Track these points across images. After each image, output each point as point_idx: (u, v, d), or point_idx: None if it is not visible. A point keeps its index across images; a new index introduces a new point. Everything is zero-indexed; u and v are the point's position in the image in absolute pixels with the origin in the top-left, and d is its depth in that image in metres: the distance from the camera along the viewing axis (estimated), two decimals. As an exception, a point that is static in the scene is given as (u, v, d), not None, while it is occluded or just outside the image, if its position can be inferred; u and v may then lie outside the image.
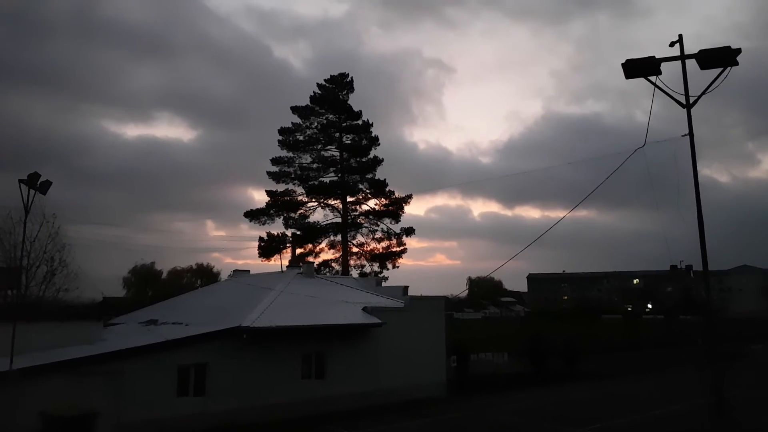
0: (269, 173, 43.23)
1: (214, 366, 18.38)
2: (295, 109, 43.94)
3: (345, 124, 44.49)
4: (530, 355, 31.78)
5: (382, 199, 44.31)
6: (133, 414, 16.20)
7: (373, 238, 44.50)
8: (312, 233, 43.25)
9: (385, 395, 21.90)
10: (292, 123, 43.85)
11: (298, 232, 42.80)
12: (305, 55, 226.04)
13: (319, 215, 45.01)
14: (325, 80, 45.30)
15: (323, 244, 44.08)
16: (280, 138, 43.58)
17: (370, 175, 44.22)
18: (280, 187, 43.34)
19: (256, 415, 18.44)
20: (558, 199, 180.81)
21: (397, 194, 44.39)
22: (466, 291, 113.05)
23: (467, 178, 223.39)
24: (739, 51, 12.69)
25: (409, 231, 44.48)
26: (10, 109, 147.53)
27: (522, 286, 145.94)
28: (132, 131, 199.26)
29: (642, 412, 20.31)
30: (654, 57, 13.38)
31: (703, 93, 13.35)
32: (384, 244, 44.27)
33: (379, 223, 44.49)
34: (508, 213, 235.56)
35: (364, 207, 44.57)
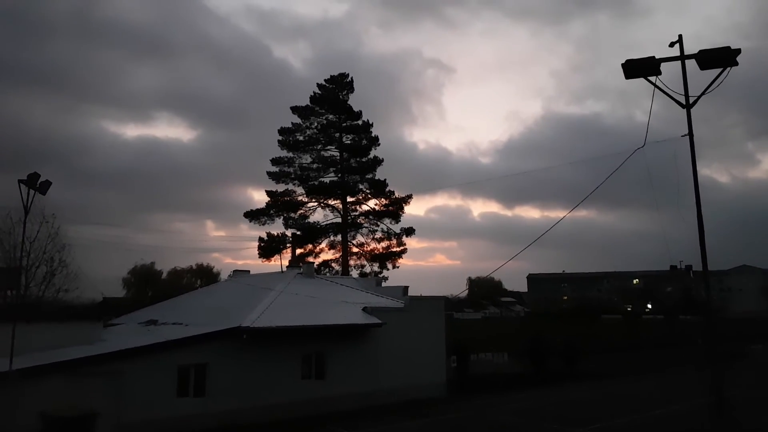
0: (269, 173, 43.29)
1: (214, 366, 18.38)
2: (295, 109, 43.95)
3: (345, 124, 44.50)
4: (530, 355, 31.77)
5: (382, 199, 44.34)
6: (133, 414, 16.20)
7: (373, 238, 44.57)
8: (312, 233, 43.26)
9: (385, 395, 21.90)
10: (292, 123, 43.92)
11: (298, 233, 42.83)
12: (305, 55, 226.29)
13: (319, 215, 45.09)
14: (325, 80, 45.36)
15: (323, 245, 44.17)
16: (280, 138, 43.63)
17: (370, 175, 44.25)
18: (280, 188, 43.44)
19: (257, 415, 18.44)
20: (558, 199, 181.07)
21: (397, 194, 44.49)
22: (466, 291, 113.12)
23: (467, 178, 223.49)
24: (738, 51, 12.69)
25: (409, 231, 44.52)
26: (10, 109, 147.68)
27: (522, 286, 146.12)
28: (132, 131, 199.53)
29: (642, 412, 20.31)
30: (654, 57, 13.38)
31: (703, 93, 13.35)
32: (384, 244, 44.33)
33: (379, 223, 44.54)
34: (508, 213, 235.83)
35: (364, 207, 44.65)
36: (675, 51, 13.69)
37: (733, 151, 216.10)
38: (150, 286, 65.30)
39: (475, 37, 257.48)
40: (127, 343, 17.77)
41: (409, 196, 44.80)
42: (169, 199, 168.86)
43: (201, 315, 21.92)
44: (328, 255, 44.16)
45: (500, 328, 59.51)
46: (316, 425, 18.60)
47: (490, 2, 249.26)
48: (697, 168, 13.73)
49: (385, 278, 40.72)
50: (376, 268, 43.70)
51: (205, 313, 22.51)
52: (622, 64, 13.47)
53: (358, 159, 44.42)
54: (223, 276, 60.94)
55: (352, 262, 43.57)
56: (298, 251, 40.11)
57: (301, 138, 43.81)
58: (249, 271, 31.99)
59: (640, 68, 13.43)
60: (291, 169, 43.45)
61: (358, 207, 44.52)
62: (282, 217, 43.14)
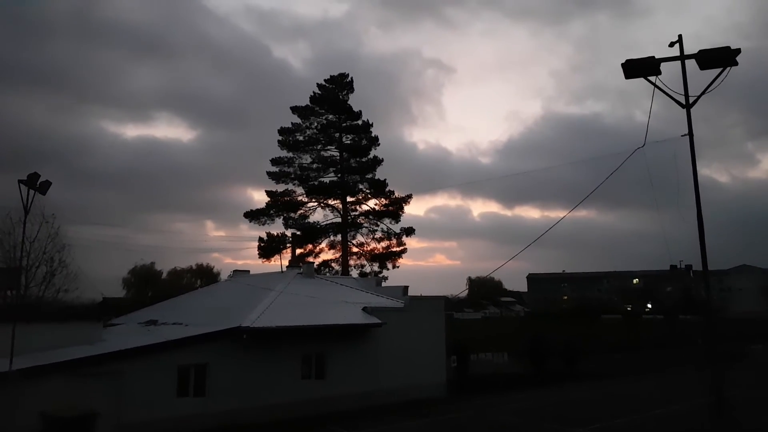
0: (269, 173, 43.29)
1: (214, 366, 18.38)
2: (294, 110, 43.96)
3: (345, 124, 44.51)
4: (530, 356, 31.77)
5: (382, 199, 44.35)
6: (133, 414, 16.20)
7: (373, 238, 44.59)
8: (312, 233, 43.27)
9: (385, 395, 21.90)
10: (291, 123, 43.92)
11: (298, 233, 42.84)
12: (305, 55, 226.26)
13: (319, 215, 45.10)
14: (324, 80, 45.38)
15: (323, 245, 44.19)
16: (280, 138, 43.63)
17: (370, 175, 44.25)
18: (280, 188, 43.45)
19: (257, 415, 18.44)
20: (558, 199, 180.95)
21: (397, 194, 44.50)
22: (466, 291, 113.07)
23: (467, 178, 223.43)
24: (738, 51, 12.70)
25: (409, 231, 44.53)
26: (10, 109, 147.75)
27: (522, 286, 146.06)
28: (131, 131, 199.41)
29: (642, 412, 20.31)
30: (654, 57, 13.40)
31: (703, 93, 13.37)
32: (384, 244, 44.34)
33: (379, 223, 44.55)
34: (508, 213, 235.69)
35: (364, 207, 44.66)
36: (675, 51, 13.72)
37: (733, 151, 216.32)
38: (150, 286, 65.19)
39: (475, 37, 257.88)
40: (127, 343, 17.76)
41: (409, 196, 44.88)
42: (169, 199, 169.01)
43: (201, 315, 21.93)
44: (328, 255, 44.26)
45: (500, 328, 59.48)
46: (316, 425, 18.60)
47: (489, 2, 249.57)
48: (697, 168, 13.76)
49: (385, 278, 40.76)
50: (376, 268, 43.73)
51: (205, 313, 22.52)
52: (622, 64, 13.49)
53: (358, 159, 44.42)
54: (223, 276, 61.03)
55: (352, 262, 43.59)
56: (298, 251, 40.13)
57: (301, 138, 43.82)
58: (249, 271, 32.00)
59: (640, 68, 13.45)
60: (291, 169, 43.46)
61: (358, 207, 44.56)
62: (282, 217, 43.18)
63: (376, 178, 44.15)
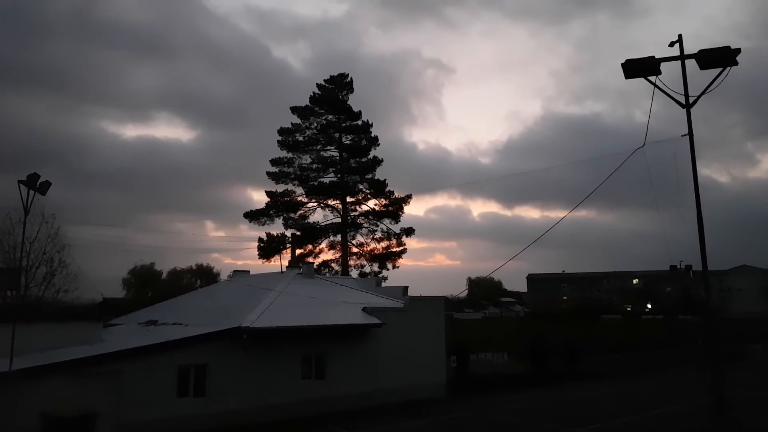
0: (269, 174, 43.27)
1: (214, 366, 18.38)
2: (294, 110, 43.95)
3: (345, 124, 44.49)
4: (530, 356, 31.75)
5: (382, 199, 44.33)
6: (133, 414, 16.19)
7: (372, 239, 44.54)
8: (312, 234, 43.25)
9: (385, 395, 21.89)
10: (291, 123, 43.90)
11: (298, 233, 42.80)
12: (305, 55, 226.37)
13: (318, 216, 45.04)
14: (324, 80, 45.35)
15: (323, 245, 44.16)
16: (280, 138, 43.60)
17: (369, 176, 44.23)
18: (280, 188, 43.43)
19: (257, 415, 18.45)
20: (558, 199, 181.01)
21: (396, 194, 44.47)
22: (466, 291, 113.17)
23: (467, 178, 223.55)
24: (738, 51, 12.70)
25: (409, 231, 44.50)
26: (10, 109, 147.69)
27: (522, 286, 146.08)
28: (131, 131, 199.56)
29: (642, 412, 20.31)
30: (654, 57, 13.40)
31: (703, 93, 13.37)
32: (384, 244, 44.31)
33: (378, 223, 44.52)
34: (508, 213, 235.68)
35: (364, 207, 44.64)
36: (675, 51, 13.72)
37: (733, 151, 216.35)
38: (150, 286, 65.22)
39: (475, 38, 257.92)
40: (127, 343, 17.76)
41: (409, 196, 44.86)
42: (169, 200, 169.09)
43: (201, 315, 21.93)
44: (327, 255, 44.23)
45: (500, 329, 59.49)
46: (316, 425, 18.60)
47: (489, 2, 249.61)
48: (697, 168, 13.77)
49: (385, 278, 40.74)
50: (375, 268, 43.70)
51: (205, 313, 22.52)
52: (622, 64, 13.49)
53: (357, 159, 44.41)
54: (223, 276, 61.04)
55: (351, 263, 43.58)
56: (298, 251, 40.13)
57: (300, 138, 43.80)
58: (249, 272, 32.00)
59: (639, 68, 13.45)
60: (291, 170, 43.44)
61: (357, 207, 44.53)
62: (282, 218, 43.16)
63: (376, 178, 44.17)
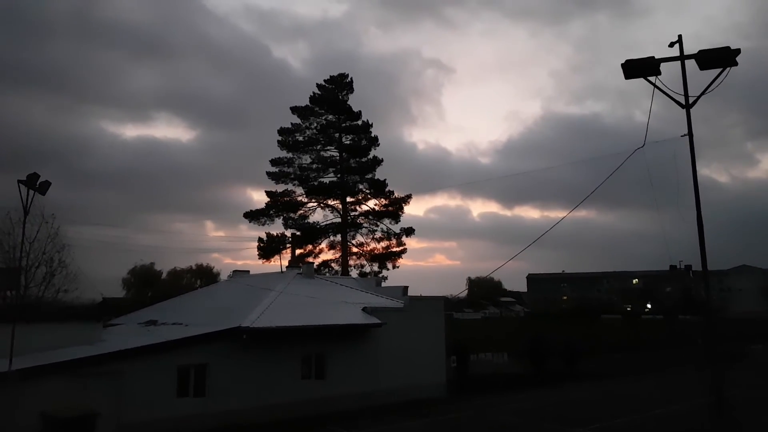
0: (269, 174, 43.31)
1: (214, 366, 18.38)
2: (294, 110, 43.97)
3: (344, 124, 44.51)
4: (530, 356, 31.75)
5: (382, 199, 44.36)
6: (133, 414, 16.19)
7: (372, 239, 44.59)
8: (312, 234, 43.27)
9: (385, 395, 21.89)
10: (291, 123, 43.93)
11: (298, 233, 42.84)
12: (304, 55, 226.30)
13: (318, 216, 45.09)
14: (324, 80, 45.40)
15: (323, 245, 44.21)
16: (280, 138, 43.64)
17: (369, 176, 44.26)
18: (280, 188, 43.48)
19: (257, 415, 18.45)
20: (558, 199, 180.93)
21: (396, 194, 44.51)
22: (466, 291, 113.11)
23: (467, 178, 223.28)
24: (738, 51, 12.70)
25: (409, 231, 44.53)
26: (10, 109, 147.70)
27: (522, 286, 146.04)
28: (131, 131, 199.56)
29: (642, 412, 20.32)
30: (653, 57, 13.39)
31: (703, 93, 13.36)
32: (384, 244, 44.34)
33: (378, 223, 44.55)
34: (508, 213, 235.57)
35: (364, 207, 44.68)
36: (675, 51, 13.71)
37: (732, 151, 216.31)
38: (150, 286, 65.21)
39: (475, 38, 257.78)
40: (127, 343, 17.75)
41: (409, 196, 44.90)
42: (168, 200, 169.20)
43: (201, 315, 21.93)
44: (327, 255, 44.27)
45: (500, 328, 59.48)
46: (316, 425, 18.60)
47: (489, 2, 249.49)
48: (697, 168, 13.76)
49: (385, 278, 40.77)
50: (375, 268, 43.74)
51: (205, 313, 22.52)
52: (622, 64, 13.49)
53: (357, 159, 44.43)
54: (223, 276, 61.01)
55: (351, 262, 43.59)
56: (298, 251, 40.16)
57: (300, 138, 43.82)
58: (249, 272, 32.03)
59: (639, 68, 13.44)
60: (291, 170, 43.47)
61: (357, 207, 44.56)
62: (282, 218, 43.20)
63: (376, 178, 44.20)
